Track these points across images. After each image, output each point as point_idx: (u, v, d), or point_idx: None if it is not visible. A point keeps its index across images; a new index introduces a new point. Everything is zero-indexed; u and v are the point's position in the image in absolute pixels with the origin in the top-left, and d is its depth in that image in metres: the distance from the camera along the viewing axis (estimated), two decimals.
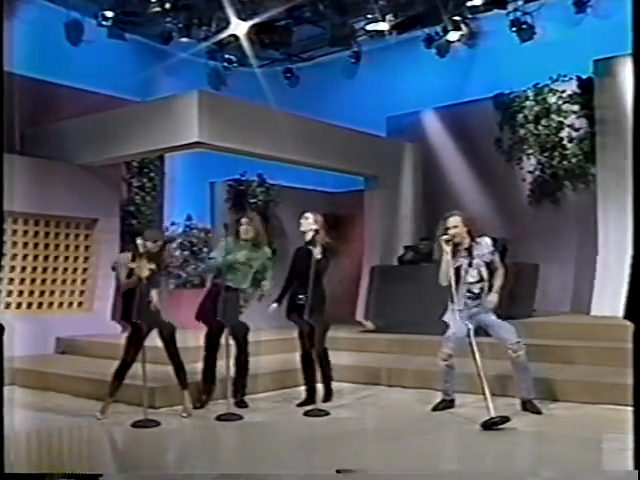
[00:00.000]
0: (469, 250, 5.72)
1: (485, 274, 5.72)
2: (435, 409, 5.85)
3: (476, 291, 5.70)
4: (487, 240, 5.81)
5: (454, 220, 5.76)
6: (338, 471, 4.01)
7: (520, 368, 5.65)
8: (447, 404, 5.88)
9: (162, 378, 6.34)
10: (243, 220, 6.38)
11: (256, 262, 6.34)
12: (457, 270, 5.67)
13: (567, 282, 10.12)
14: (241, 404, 6.20)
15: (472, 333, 5.43)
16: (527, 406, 5.65)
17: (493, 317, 5.74)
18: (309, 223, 6.22)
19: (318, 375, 6.25)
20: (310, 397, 6.21)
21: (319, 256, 6.06)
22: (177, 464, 5.03)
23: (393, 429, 5.51)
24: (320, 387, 6.27)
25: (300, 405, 6.19)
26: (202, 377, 6.35)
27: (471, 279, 5.71)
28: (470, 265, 5.72)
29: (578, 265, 10.06)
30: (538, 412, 5.61)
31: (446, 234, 5.67)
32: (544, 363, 6.66)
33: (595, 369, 6.69)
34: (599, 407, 5.82)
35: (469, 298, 5.70)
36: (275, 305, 6.37)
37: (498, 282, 5.74)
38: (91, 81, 9.99)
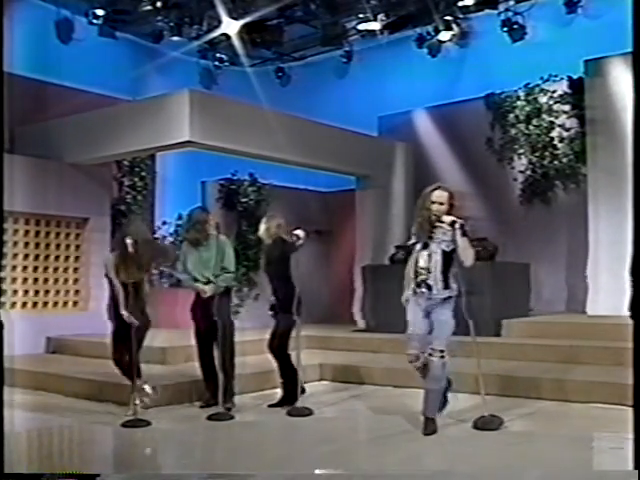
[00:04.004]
0: (431, 230, 4.98)
1: (439, 264, 4.93)
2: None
3: (423, 278, 4.94)
4: (456, 225, 4.91)
5: (440, 195, 5.01)
6: None
7: (430, 379, 4.97)
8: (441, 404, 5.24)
9: (152, 377, 6.32)
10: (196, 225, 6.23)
11: (212, 258, 6.12)
12: (409, 250, 5.11)
13: (560, 281, 10.16)
14: (227, 406, 5.91)
15: (472, 329, 5.05)
16: (427, 423, 4.98)
17: (445, 314, 4.97)
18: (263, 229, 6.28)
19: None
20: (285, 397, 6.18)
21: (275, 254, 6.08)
22: (168, 464, 5.02)
23: (379, 429, 5.44)
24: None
25: (272, 406, 6.12)
26: (202, 377, 6.30)
27: (422, 263, 4.98)
28: (425, 247, 5.00)
29: (570, 264, 10.09)
30: (431, 433, 4.92)
31: (429, 209, 4.94)
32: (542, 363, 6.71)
33: (590, 368, 6.73)
34: (589, 406, 5.84)
35: (418, 286, 4.97)
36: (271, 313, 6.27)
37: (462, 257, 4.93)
38: (82, 80, 9.96)
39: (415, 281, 4.98)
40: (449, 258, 4.96)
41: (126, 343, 5.78)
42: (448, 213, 4.96)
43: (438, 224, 4.93)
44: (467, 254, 4.93)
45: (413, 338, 5.00)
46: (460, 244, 4.90)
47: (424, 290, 4.95)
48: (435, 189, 5.03)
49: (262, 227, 6.30)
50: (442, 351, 4.91)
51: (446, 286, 4.95)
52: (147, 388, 5.92)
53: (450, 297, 4.98)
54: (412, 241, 5.11)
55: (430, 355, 4.92)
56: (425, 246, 4.98)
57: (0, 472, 3.35)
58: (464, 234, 4.91)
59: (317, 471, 4.48)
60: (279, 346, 6.13)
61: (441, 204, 4.96)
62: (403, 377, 6.98)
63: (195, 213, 6.37)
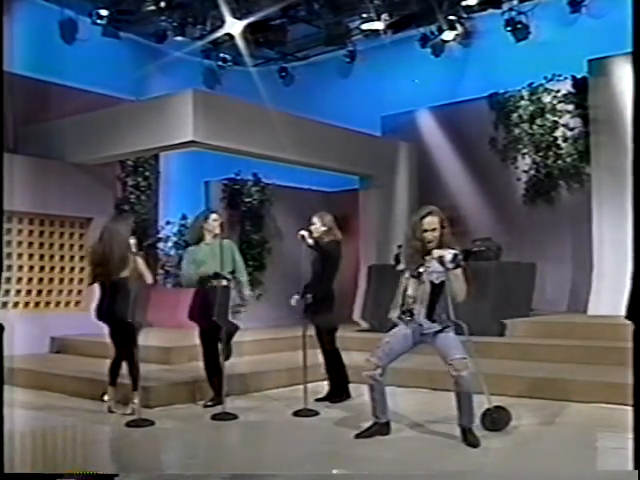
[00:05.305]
0: (424, 258, 4.73)
1: (427, 294, 4.70)
2: (360, 436, 4.96)
3: (412, 309, 4.74)
4: (448, 256, 4.57)
5: (432, 221, 4.72)
6: None
7: (463, 391, 4.64)
8: (379, 429, 4.98)
9: (156, 377, 6.32)
10: (213, 216, 6.33)
11: (221, 254, 6.12)
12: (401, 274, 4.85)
13: (563, 281, 10.15)
14: (215, 402, 6.01)
15: (466, 331, 4.85)
16: (467, 436, 4.71)
17: (442, 337, 4.74)
18: (316, 228, 6.31)
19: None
20: (332, 393, 6.40)
21: (315, 255, 6.18)
22: (171, 463, 5.03)
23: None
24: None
25: (318, 400, 6.23)
26: (206, 376, 6.31)
27: (411, 292, 4.75)
28: (416, 277, 4.74)
29: (574, 264, 10.09)
30: (476, 445, 4.66)
31: (422, 239, 4.70)
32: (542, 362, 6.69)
33: (592, 368, 6.72)
34: (591, 406, 5.83)
35: (404, 313, 4.77)
36: (297, 297, 6.32)
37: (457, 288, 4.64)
38: (85, 80, 9.98)
39: (402, 309, 4.78)
40: (439, 290, 4.69)
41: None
42: (441, 238, 4.70)
43: (427, 257, 4.67)
44: (458, 289, 4.63)
45: (384, 349, 4.83)
46: (451, 278, 4.61)
47: (408, 318, 4.75)
48: (425, 216, 4.74)
49: (317, 226, 6.29)
50: (464, 358, 4.64)
51: (432, 319, 4.71)
52: (135, 401, 5.83)
53: (443, 329, 4.72)
54: (401, 267, 4.87)
55: (455, 369, 4.60)
56: (416, 274, 4.72)
57: (0, 472, 3.35)
58: (457, 265, 4.58)
59: (334, 471, 4.49)
60: (327, 343, 6.37)
61: (434, 230, 4.70)
62: (407, 377, 6.99)
63: (202, 215, 6.41)
